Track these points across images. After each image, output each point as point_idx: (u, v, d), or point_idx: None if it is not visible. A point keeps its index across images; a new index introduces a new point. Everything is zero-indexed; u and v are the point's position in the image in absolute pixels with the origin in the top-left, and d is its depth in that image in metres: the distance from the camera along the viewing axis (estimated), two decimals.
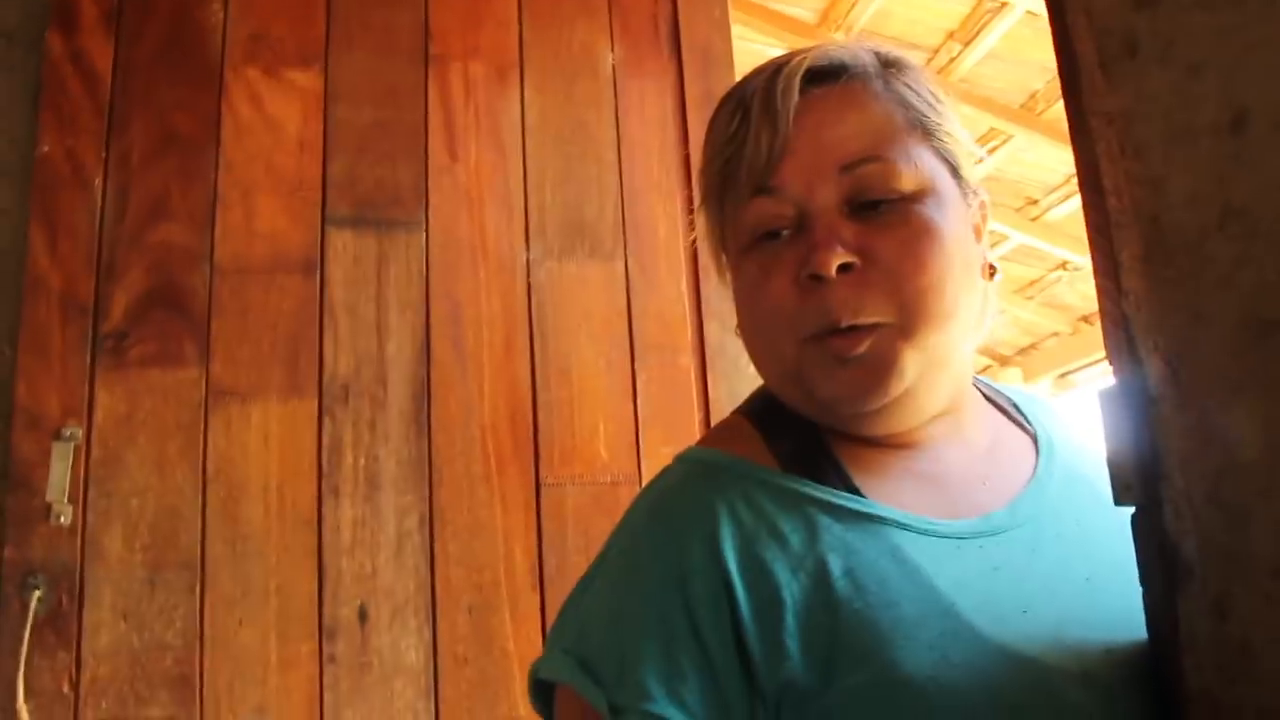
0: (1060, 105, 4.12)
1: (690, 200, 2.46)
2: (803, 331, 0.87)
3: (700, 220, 1.02)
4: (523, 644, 2.14)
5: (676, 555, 0.83)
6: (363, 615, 2.09)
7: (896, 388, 0.86)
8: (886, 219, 0.87)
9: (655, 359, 2.35)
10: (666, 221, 2.44)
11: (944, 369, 0.90)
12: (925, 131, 0.92)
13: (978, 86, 5.26)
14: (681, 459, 0.95)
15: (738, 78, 0.93)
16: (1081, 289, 7.12)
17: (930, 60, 5.10)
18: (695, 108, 2.53)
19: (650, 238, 2.42)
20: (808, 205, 0.88)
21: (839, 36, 5.04)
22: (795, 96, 0.90)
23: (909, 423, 0.91)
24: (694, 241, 2.41)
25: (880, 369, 0.86)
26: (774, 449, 0.92)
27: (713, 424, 2.30)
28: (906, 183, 0.88)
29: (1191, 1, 0.59)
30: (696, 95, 2.54)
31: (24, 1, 2.25)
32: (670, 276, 2.41)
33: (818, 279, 0.86)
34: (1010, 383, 1.01)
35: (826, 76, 0.92)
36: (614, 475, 2.26)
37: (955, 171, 0.93)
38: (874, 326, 0.86)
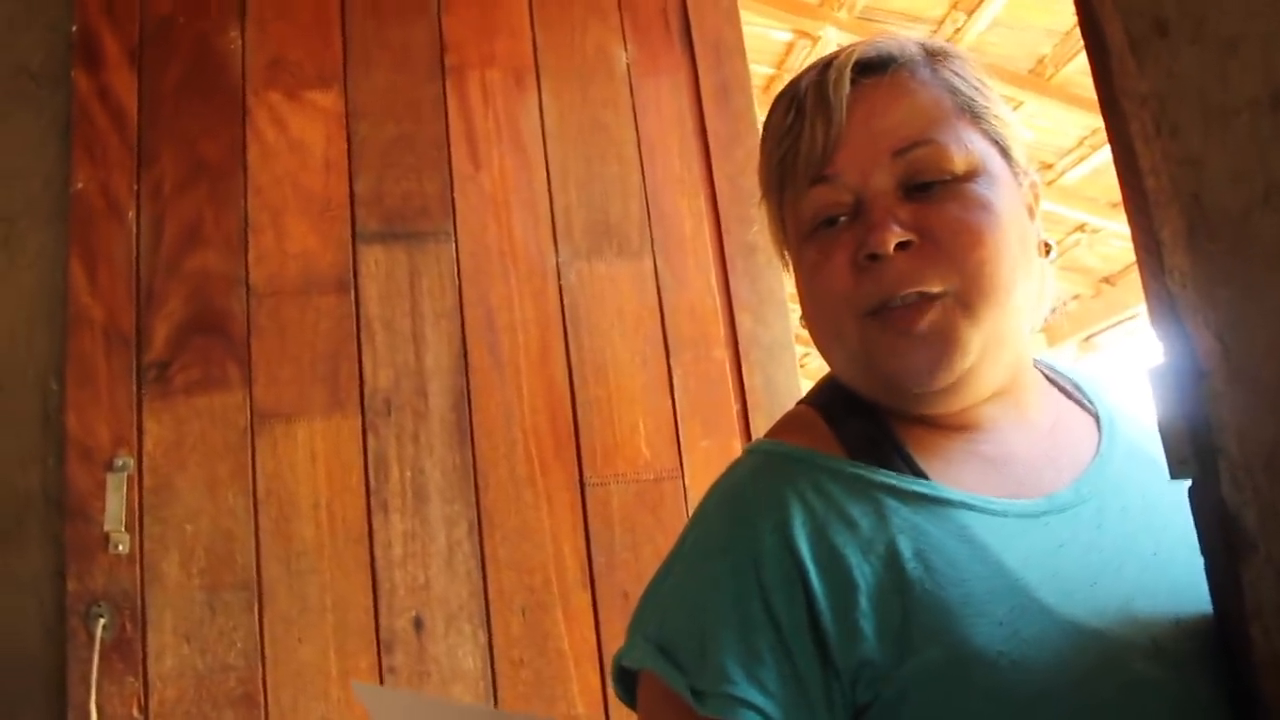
0: (1069, 68, 4.09)
1: (713, 193, 2.47)
2: (862, 307, 0.90)
3: (762, 213, 1.05)
4: (577, 642, 2.17)
5: (750, 543, 0.85)
6: (418, 625, 2.13)
7: (961, 365, 0.88)
8: (940, 198, 0.90)
9: (689, 354, 2.36)
10: (691, 216, 2.46)
11: (1004, 345, 0.92)
12: (974, 115, 0.94)
13: (984, 55, 5.19)
14: (751, 450, 0.98)
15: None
16: (1101, 250, 7.09)
17: (935, 32, 5.07)
18: (711, 100, 2.55)
19: (676, 233, 2.44)
20: (864, 190, 0.91)
21: (841, 15, 5.04)
22: (847, 87, 0.93)
23: (969, 400, 0.93)
24: (720, 234, 2.45)
25: (944, 346, 0.88)
26: (840, 437, 0.94)
27: (750, 415, 2.33)
28: (958, 164, 0.90)
29: None
30: (711, 88, 2.56)
31: (47, 40, 2.29)
32: (699, 270, 2.42)
33: (875, 258, 0.88)
34: (1035, 348, 1.03)
35: (875, 68, 0.94)
36: (656, 472, 2.28)
37: (1005, 153, 0.95)
38: (934, 298, 0.88)
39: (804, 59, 5.39)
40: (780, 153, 0.96)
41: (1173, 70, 0.64)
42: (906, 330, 0.88)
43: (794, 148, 0.94)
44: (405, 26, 2.45)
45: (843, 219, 0.92)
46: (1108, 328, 7.82)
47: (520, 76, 2.48)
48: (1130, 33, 0.67)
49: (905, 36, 0.99)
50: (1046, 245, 0.98)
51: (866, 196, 0.91)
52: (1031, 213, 0.97)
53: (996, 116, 0.95)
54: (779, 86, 5.62)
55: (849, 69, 0.93)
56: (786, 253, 1.03)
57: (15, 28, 2.29)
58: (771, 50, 5.40)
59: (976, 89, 0.96)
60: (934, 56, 0.97)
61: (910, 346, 0.88)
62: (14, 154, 2.24)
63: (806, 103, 0.94)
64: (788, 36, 5.32)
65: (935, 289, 0.88)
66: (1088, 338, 8.15)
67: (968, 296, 0.88)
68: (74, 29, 2.27)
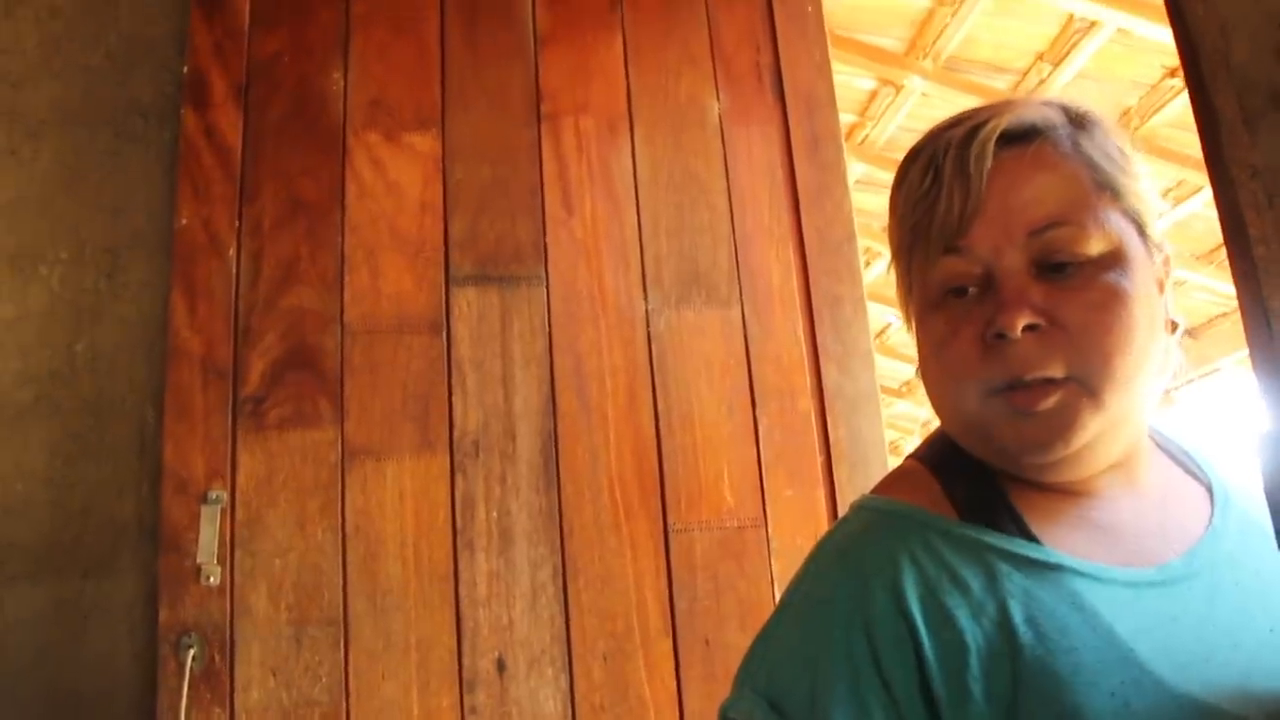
0: (1155, 120, 4.06)
1: (801, 244, 2.48)
2: (986, 386, 0.89)
3: (891, 273, 1.04)
4: (658, 690, 2.16)
5: (861, 601, 0.85)
6: (501, 666, 2.13)
7: (1077, 442, 0.87)
8: (1073, 282, 0.88)
9: (775, 404, 2.37)
10: (779, 267, 2.46)
11: (1124, 425, 0.91)
12: (1114, 193, 0.92)
13: None
14: (862, 507, 0.97)
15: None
16: (1183, 303, 7.00)
17: (1020, 83, 5.06)
18: (801, 152, 2.56)
19: (764, 283, 2.45)
20: (995, 266, 0.90)
21: (926, 65, 5.03)
22: (989, 161, 0.91)
23: (1084, 473, 0.92)
24: (808, 285, 2.45)
25: (1061, 425, 0.87)
26: (951, 496, 0.94)
27: (835, 466, 2.32)
28: (1094, 246, 0.89)
29: None
30: (802, 139, 2.57)
31: (157, 79, 2.36)
32: (786, 321, 2.43)
33: (1003, 338, 0.87)
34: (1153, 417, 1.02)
35: (1018, 138, 0.92)
36: (740, 520, 2.27)
37: (1141, 230, 0.93)
38: (1058, 382, 0.87)
39: (887, 107, 5.39)
40: (914, 217, 0.95)
41: None
42: (1027, 410, 0.87)
43: (929, 214, 0.93)
44: (502, 70, 2.49)
45: (971, 290, 0.92)
46: (1186, 383, 7.69)
47: (614, 124, 2.51)
48: (1244, 105, 0.66)
49: (1048, 102, 0.97)
50: (1174, 324, 0.97)
51: (998, 272, 0.90)
52: (1161, 286, 0.96)
53: (1135, 193, 0.93)
54: (862, 135, 5.64)
55: (993, 141, 0.91)
56: (910, 312, 1.02)
57: (130, 67, 2.37)
58: (854, 98, 5.40)
59: (1119, 165, 0.94)
60: (1077, 127, 0.95)
61: (1027, 425, 0.88)
62: (121, 189, 2.30)
63: (945, 169, 0.92)
64: (871, 85, 5.32)
65: (1059, 375, 0.87)
66: (1166, 391, 8.02)
67: (1093, 384, 0.87)
68: (185, 69, 2.33)
